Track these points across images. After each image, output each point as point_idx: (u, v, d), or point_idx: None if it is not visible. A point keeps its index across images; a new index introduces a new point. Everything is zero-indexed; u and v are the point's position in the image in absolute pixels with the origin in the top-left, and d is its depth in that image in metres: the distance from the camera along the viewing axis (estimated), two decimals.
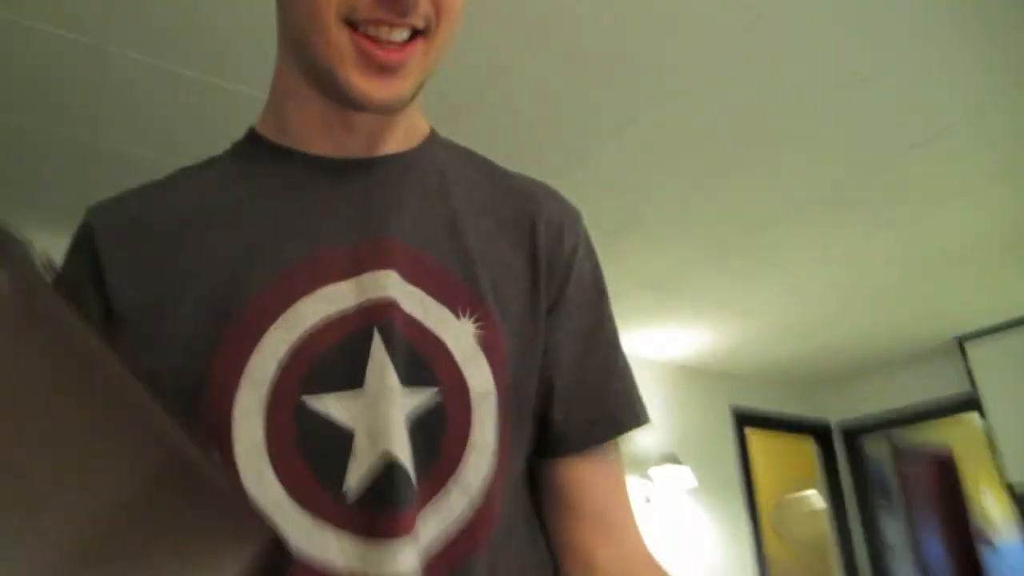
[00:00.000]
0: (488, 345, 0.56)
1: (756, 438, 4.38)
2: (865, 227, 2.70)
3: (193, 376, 0.51)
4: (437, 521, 0.52)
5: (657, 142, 2.09)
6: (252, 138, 0.64)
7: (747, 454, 4.16)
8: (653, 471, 3.54)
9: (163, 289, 0.54)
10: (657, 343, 3.79)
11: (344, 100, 0.55)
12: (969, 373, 3.87)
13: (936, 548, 4.61)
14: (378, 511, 0.49)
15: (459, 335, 0.55)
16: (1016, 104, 2.01)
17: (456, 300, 0.56)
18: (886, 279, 3.17)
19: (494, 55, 1.70)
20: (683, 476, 3.58)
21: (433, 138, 0.67)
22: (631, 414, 0.63)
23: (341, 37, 0.52)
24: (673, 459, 3.57)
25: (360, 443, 0.50)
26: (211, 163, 0.64)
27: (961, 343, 3.93)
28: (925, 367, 4.27)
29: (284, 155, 0.60)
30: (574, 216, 0.67)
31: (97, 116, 1.90)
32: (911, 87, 1.93)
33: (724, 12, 1.61)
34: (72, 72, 1.71)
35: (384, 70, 0.53)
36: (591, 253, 0.67)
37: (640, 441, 3.54)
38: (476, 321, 0.56)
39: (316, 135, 0.60)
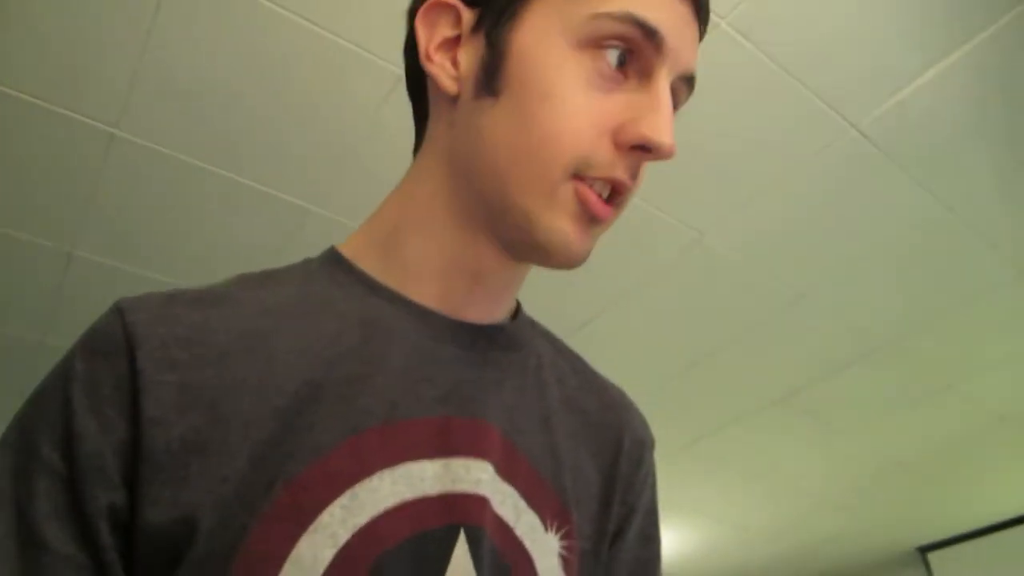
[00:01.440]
0: (569, 566, 0.49)
1: None
2: (818, 435, 2.74)
3: (224, 546, 0.40)
4: None
5: (611, 346, 2.13)
6: (340, 261, 0.52)
7: None
8: None
9: (212, 430, 0.42)
10: None
11: (532, 248, 0.48)
12: None
13: None
14: None
15: (546, 551, 0.47)
16: (938, 325, 2.14)
17: (546, 508, 0.49)
18: (844, 487, 3.19)
19: None
20: None
21: (523, 314, 0.58)
22: None
23: (567, 188, 0.47)
24: None
25: None
26: (278, 278, 0.51)
27: (924, 553, 3.89)
28: (890, 575, 4.19)
29: (381, 293, 0.50)
30: (651, 440, 0.61)
31: (53, 318, 1.90)
32: (845, 306, 2.05)
33: (675, 232, 1.75)
34: (34, 275, 1.73)
35: (594, 224, 0.48)
36: (655, 483, 0.60)
37: None
38: (562, 538, 0.49)
39: (428, 280, 0.51)
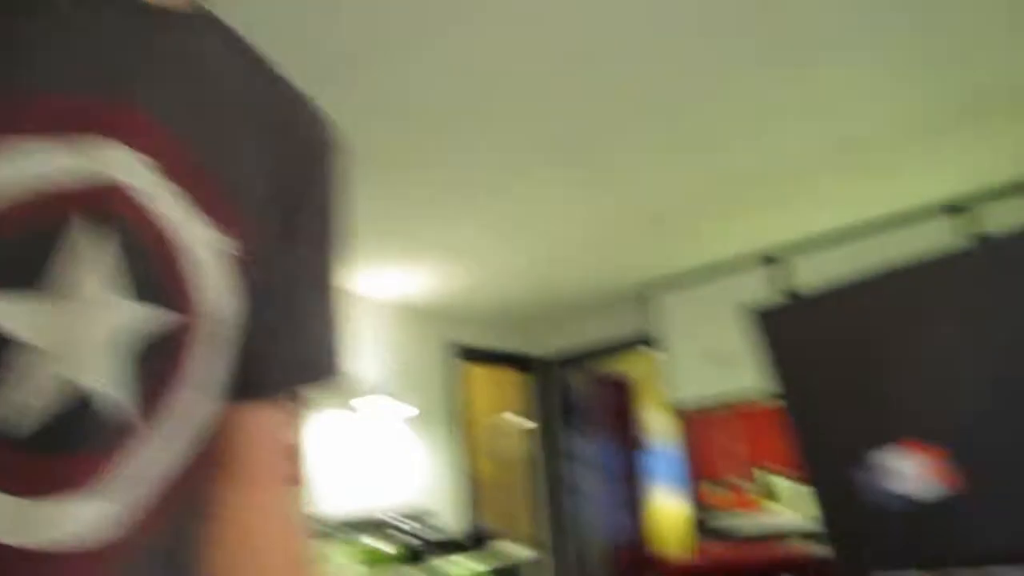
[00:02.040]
0: (232, 263, 0.46)
1: (474, 371, 4.94)
2: (587, 183, 3.02)
3: None
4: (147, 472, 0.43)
5: (394, 92, 2.17)
6: None
7: (464, 386, 4.65)
8: (365, 402, 3.78)
9: None
10: (381, 282, 3.96)
11: None
12: (653, 316, 4.63)
13: (612, 457, 5.52)
14: (48, 455, 0.38)
15: (207, 247, 0.45)
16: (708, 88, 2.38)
17: (207, 202, 0.45)
18: (597, 232, 3.63)
19: None
20: (398, 407, 3.91)
21: (200, 5, 0.52)
22: (332, 362, 0.56)
23: None
24: (388, 391, 3.86)
25: (34, 362, 0.38)
26: None
27: (645, 291, 4.67)
28: (617, 309, 5.02)
29: None
30: (331, 142, 0.57)
31: None
32: (618, 61, 2.18)
33: None
34: None
35: None
36: (337, 186, 0.57)
37: (358, 374, 3.73)
38: (225, 233, 0.46)
39: None
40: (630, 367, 5.65)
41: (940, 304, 1.28)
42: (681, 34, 2.10)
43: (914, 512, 1.19)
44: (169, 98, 0.44)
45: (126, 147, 0.41)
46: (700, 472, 4.61)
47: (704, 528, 4.17)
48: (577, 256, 3.99)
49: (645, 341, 4.73)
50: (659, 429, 5.70)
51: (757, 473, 4.22)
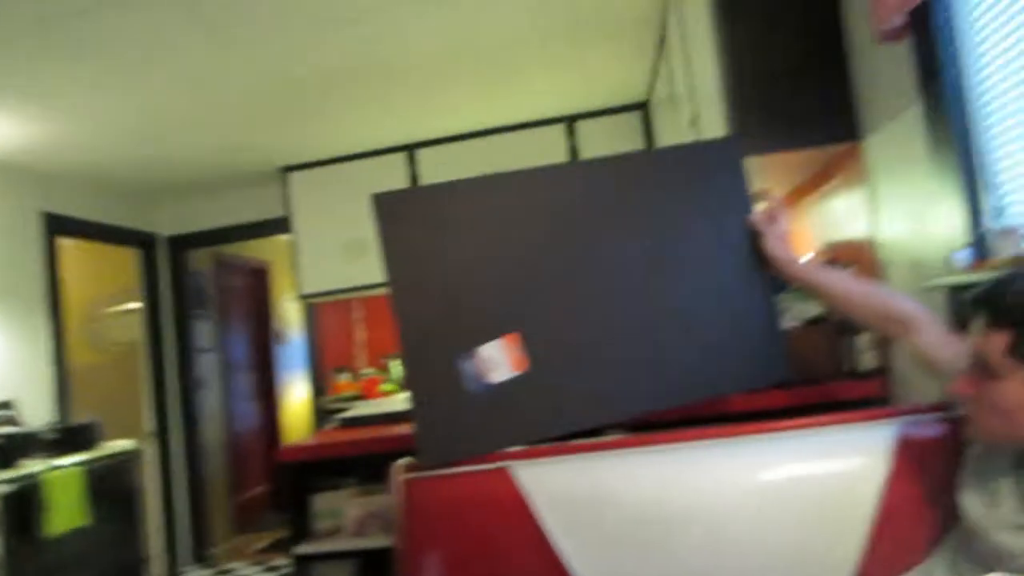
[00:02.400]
0: None
1: (72, 247, 4.24)
2: (216, 44, 2.68)
3: None
4: None
5: None
6: None
7: (59, 263, 3.96)
8: None
9: None
10: None
11: None
12: (287, 199, 4.42)
13: (241, 347, 5.34)
14: None
15: None
16: None
17: None
18: (227, 102, 3.27)
19: None
20: None
21: None
22: None
23: None
24: None
25: None
26: None
27: (284, 172, 4.44)
28: (253, 190, 4.72)
29: None
30: None
31: None
32: None
33: None
34: None
35: None
36: None
37: None
38: None
39: None
40: (267, 253, 5.41)
41: (534, 209, 1.38)
42: None
43: (493, 396, 1.29)
44: None
45: None
46: (328, 361, 4.68)
47: (329, 415, 4.24)
48: (203, 124, 3.59)
49: (282, 227, 4.54)
50: (293, 318, 5.61)
51: (387, 362, 4.41)
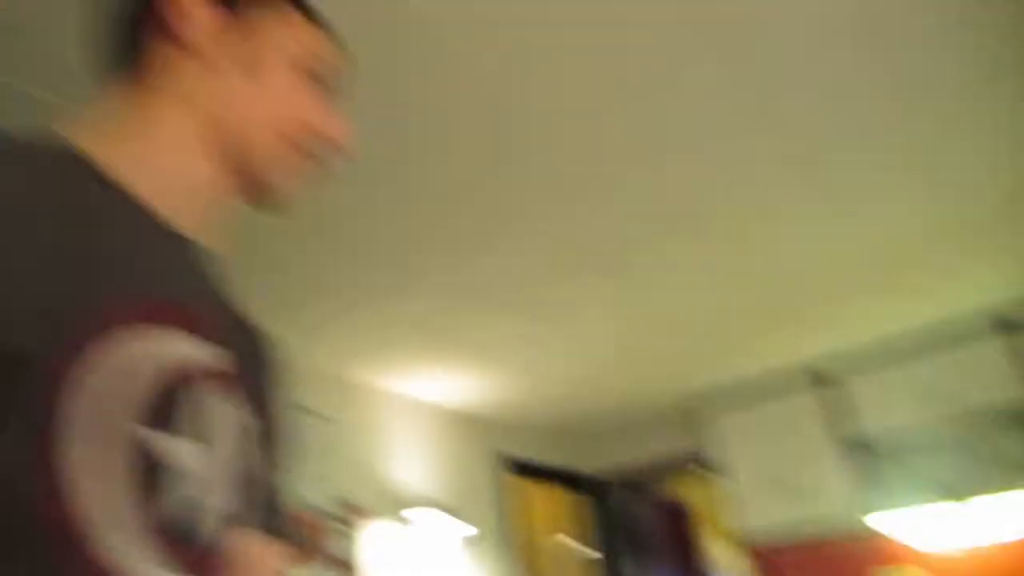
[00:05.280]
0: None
1: (528, 487, 4.74)
2: (624, 294, 3.02)
3: None
4: None
5: (431, 193, 2.21)
6: (81, 161, 0.57)
7: (520, 503, 4.42)
8: (417, 513, 3.58)
9: None
10: (426, 386, 3.85)
11: (259, 197, 0.69)
12: (709, 435, 4.45)
13: None
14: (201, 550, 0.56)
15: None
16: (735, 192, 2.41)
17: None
18: (627, 342, 3.55)
19: None
20: (452, 524, 3.65)
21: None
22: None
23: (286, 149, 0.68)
24: (440, 504, 3.66)
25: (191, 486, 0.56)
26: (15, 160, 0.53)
27: (694, 405, 4.51)
28: (674, 427, 4.84)
29: (132, 206, 0.59)
30: (272, 352, 0.77)
31: None
32: (665, 170, 2.24)
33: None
34: None
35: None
36: (277, 385, 0.79)
37: (400, 485, 3.62)
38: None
39: (167, 193, 0.62)
40: (687, 491, 5.33)
41: None
42: (709, 136, 2.13)
43: None
44: (194, 296, 0.62)
45: (192, 334, 0.57)
46: None
47: None
48: (619, 366, 3.89)
49: (698, 461, 4.50)
50: (724, 561, 5.27)
51: None
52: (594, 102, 1.94)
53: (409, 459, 3.75)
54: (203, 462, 0.55)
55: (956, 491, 3.59)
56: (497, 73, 1.79)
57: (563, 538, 4.96)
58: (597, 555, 4.84)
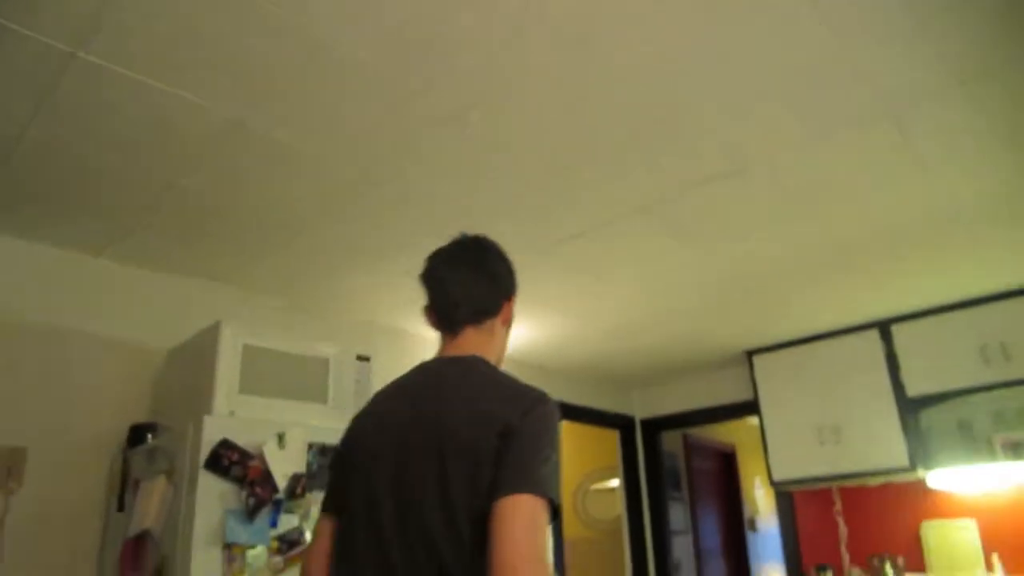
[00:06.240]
0: None
1: (567, 428, 4.84)
2: (674, 245, 2.98)
3: None
4: None
5: (490, 140, 2.16)
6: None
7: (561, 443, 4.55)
8: None
9: None
10: None
11: None
12: (753, 382, 4.45)
13: (713, 532, 5.21)
14: None
15: None
16: (809, 152, 2.30)
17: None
18: (692, 293, 3.55)
19: (312, 31, 1.69)
20: None
21: None
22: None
23: None
24: None
25: None
26: None
27: (750, 355, 4.51)
28: (719, 373, 4.86)
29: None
30: (534, 410, 1.24)
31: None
32: (720, 120, 2.13)
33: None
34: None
35: None
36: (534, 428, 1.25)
37: None
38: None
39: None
40: (735, 437, 5.40)
41: None
42: (777, 97, 2.05)
43: None
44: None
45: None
46: (805, 555, 4.30)
47: None
48: (673, 317, 3.89)
49: (749, 410, 4.52)
50: (765, 505, 5.37)
51: (877, 563, 3.89)
52: (643, 59, 1.88)
53: None
54: None
55: (1012, 449, 3.59)
56: (573, 35, 1.75)
57: (609, 480, 5.08)
58: (643, 497, 4.96)
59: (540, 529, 1.02)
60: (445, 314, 1.34)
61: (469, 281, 1.35)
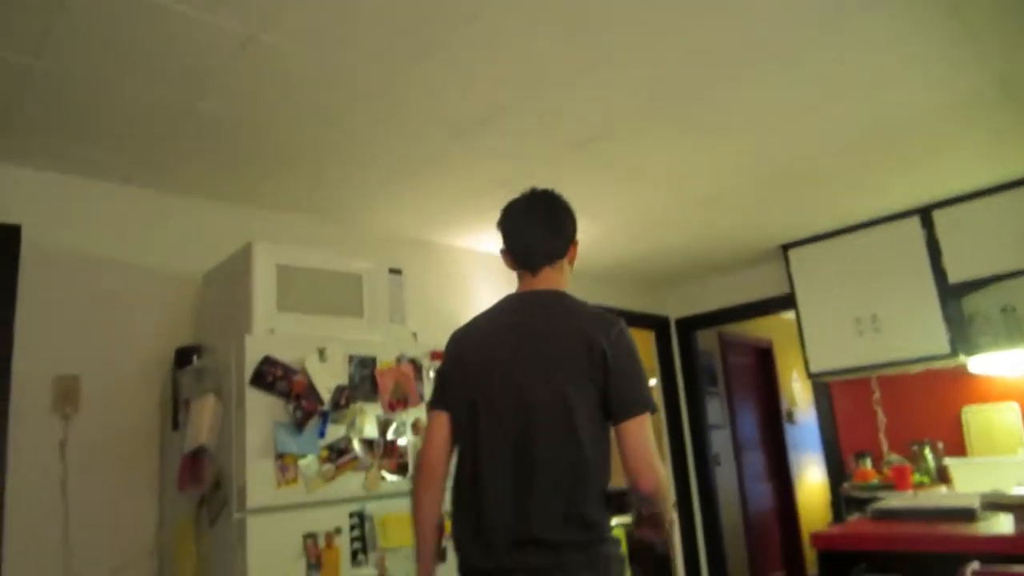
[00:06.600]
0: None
1: None
2: (702, 139, 2.90)
3: None
4: None
5: (506, 38, 2.08)
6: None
7: None
8: None
9: None
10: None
11: None
12: (789, 276, 4.40)
13: (751, 425, 5.31)
14: None
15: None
16: (839, 38, 2.18)
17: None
18: (722, 189, 3.47)
19: None
20: None
21: None
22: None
23: None
24: None
25: None
26: None
27: (785, 249, 4.44)
28: (753, 269, 4.81)
29: None
30: (613, 330, 1.61)
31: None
32: (745, 9, 2.04)
33: None
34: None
35: None
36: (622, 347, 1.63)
37: None
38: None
39: None
40: (770, 332, 5.40)
41: None
42: None
43: None
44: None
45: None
46: (844, 444, 4.36)
47: (852, 503, 3.92)
48: (707, 213, 3.82)
49: (784, 304, 4.50)
50: (802, 397, 5.42)
51: (916, 449, 3.92)
52: None
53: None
54: None
55: None
56: None
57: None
58: (680, 395, 5.03)
59: (652, 435, 1.46)
60: (524, 259, 1.66)
61: (543, 231, 1.65)
